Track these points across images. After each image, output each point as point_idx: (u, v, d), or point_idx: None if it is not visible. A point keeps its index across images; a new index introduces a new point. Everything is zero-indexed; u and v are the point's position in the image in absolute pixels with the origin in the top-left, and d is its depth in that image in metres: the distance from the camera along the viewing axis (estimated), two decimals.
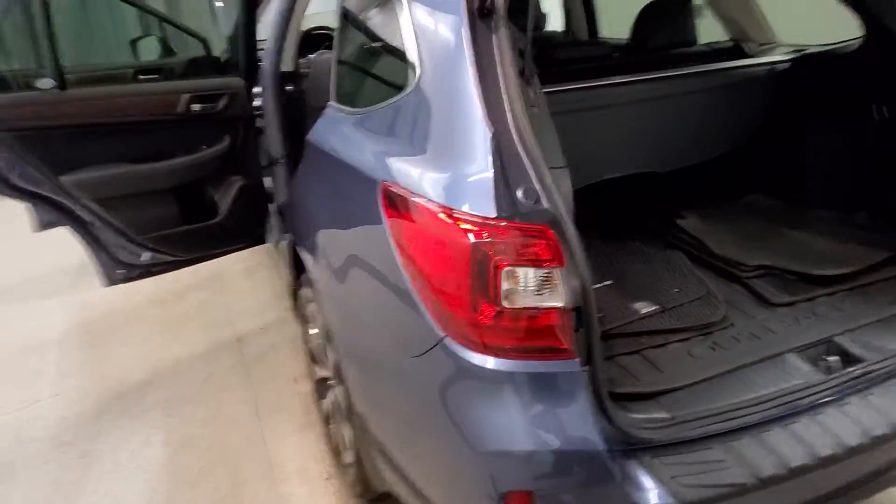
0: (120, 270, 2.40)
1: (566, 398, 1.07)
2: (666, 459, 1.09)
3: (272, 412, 2.38)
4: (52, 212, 2.16)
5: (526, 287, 1.04)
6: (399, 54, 1.33)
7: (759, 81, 2.15)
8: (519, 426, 1.07)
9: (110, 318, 3.23)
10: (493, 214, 1.03)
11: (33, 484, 2.12)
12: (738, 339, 1.48)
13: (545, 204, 1.04)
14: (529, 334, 1.06)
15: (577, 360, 1.07)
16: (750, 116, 2.23)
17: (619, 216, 2.22)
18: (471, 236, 1.04)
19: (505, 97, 1.09)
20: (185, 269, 2.58)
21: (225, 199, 2.51)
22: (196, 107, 2.30)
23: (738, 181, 2.29)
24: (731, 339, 1.48)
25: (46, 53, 1.96)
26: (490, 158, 1.06)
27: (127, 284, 2.46)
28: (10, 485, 2.12)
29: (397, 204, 1.19)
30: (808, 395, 1.21)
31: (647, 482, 1.06)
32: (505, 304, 1.04)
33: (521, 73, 1.15)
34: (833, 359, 1.31)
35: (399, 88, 1.33)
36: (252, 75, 2.34)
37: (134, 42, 3.13)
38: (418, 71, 1.25)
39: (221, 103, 2.35)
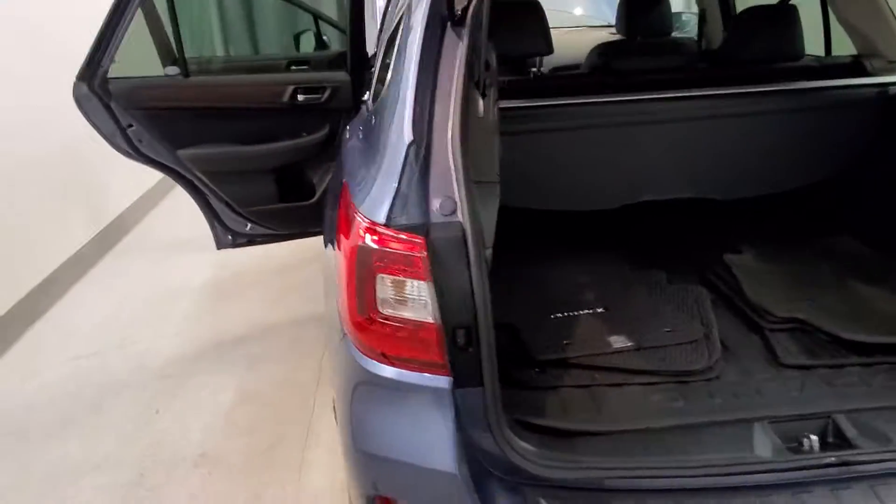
0: (228, 237, 2.75)
1: (434, 414, 1.04)
2: (552, 502, 1.01)
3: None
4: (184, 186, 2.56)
5: (396, 297, 1.03)
6: (389, 59, 1.38)
7: (862, 105, 1.80)
8: (389, 433, 1.07)
9: (238, 279, 3.69)
10: (382, 220, 1.03)
11: (132, 403, 2.54)
12: (712, 394, 1.29)
13: (459, 217, 1.00)
14: (402, 343, 1.05)
15: (449, 377, 1.02)
16: (845, 144, 1.86)
17: (666, 242, 2.00)
18: (358, 238, 1.05)
19: (447, 106, 1.06)
20: (311, 243, 2.85)
21: (321, 183, 2.74)
22: (301, 97, 2.55)
23: (825, 219, 1.93)
24: (704, 392, 1.30)
25: (174, 46, 2.31)
26: (401, 165, 1.04)
27: (263, 251, 2.78)
28: (115, 400, 2.57)
29: (338, 197, 1.25)
30: (753, 473, 1.02)
31: None
32: (380, 310, 1.04)
33: (477, 84, 1.12)
34: (813, 438, 1.09)
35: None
36: (359, 70, 2.52)
37: (297, 36, 3.55)
38: (390, 75, 1.28)
39: (325, 95, 2.57)
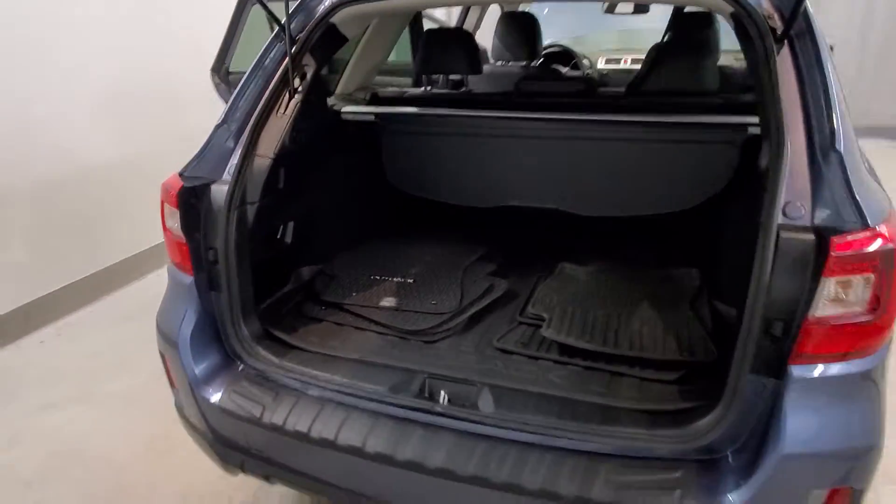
0: None
1: (185, 297, 1.58)
2: (252, 379, 1.52)
3: None
4: None
5: (169, 223, 1.58)
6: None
7: (723, 143, 1.95)
8: (166, 307, 1.66)
9: None
10: (180, 172, 1.61)
11: None
12: (416, 350, 1.64)
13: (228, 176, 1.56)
14: (175, 251, 1.60)
15: (191, 277, 1.56)
16: (707, 180, 2.03)
17: (517, 243, 2.31)
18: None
19: (257, 103, 1.59)
20: None
21: None
22: None
23: (672, 248, 2.14)
24: (412, 348, 1.66)
25: None
26: (209, 135, 1.63)
27: None
28: None
29: None
30: (394, 405, 1.38)
31: (220, 379, 1.53)
32: (168, 228, 1.60)
33: (291, 91, 1.65)
34: (443, 395, 1.40)
35: None
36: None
37: None
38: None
39: None
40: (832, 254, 1.08)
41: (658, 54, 2.09)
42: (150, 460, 2.24)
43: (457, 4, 2.79)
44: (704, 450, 1.21)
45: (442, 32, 2.42)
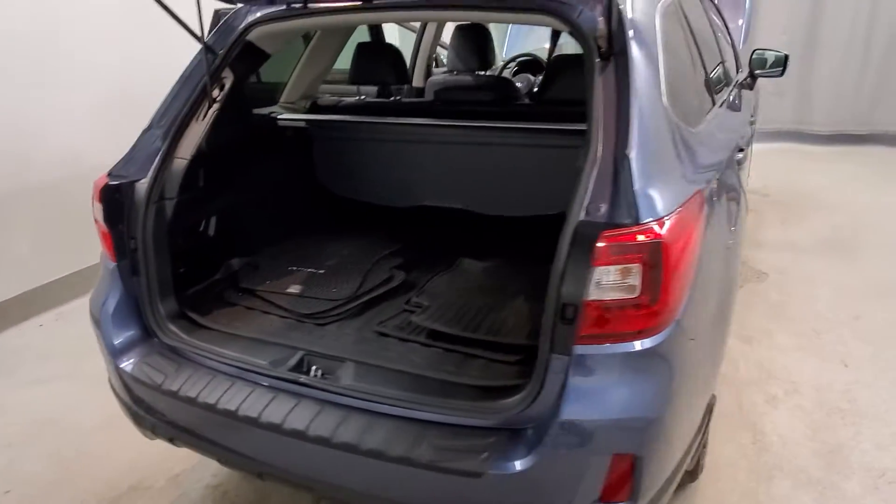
0: None
1: (109, 277, 1.82)
2: (162, 353, 1.74)
3: None
4: None
5: (97, 215, 1.79)
6: None
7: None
8: (98, 289, 1.88)
9: None
10: (108, 171, 1.87)
11: None
12: (305, 331, 1.84)
13: (147, 176, 1.79)
14: (102, 239, 1.83)
15: (114, 262, 1.79)
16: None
17: (427, 239, 2.48)
18: (102, 181, 1.82)
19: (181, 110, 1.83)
20: None
21: None
22: None
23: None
24: (302, 329, 1.85)
25: None
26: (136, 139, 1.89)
27: None
28: None
29: None
30: (271, 377, 1.59)
31: (136, 351, 1.76)
32: (98, 220, 1.82)
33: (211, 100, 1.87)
34: (315, 369, 1.61)
35: None
36: None
37: None
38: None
39: None
40: (598, 245, 1.24)
41: (554, 65, 2.25)
42: (111, 430, 2.51)
43: (366, 23, 2.96)
44: (514, 421, 1.37)
45: (370, 46, 2.63)
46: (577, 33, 1.50)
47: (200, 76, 1.89)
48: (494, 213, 2.36)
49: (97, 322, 1.81)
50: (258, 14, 1.90)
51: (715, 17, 3.08)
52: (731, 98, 2.64)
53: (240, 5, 1.92)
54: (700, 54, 2.15)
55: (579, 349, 1.29)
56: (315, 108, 2.59)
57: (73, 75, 3.53)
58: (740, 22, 4.16)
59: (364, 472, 1.43)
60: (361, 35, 3.29)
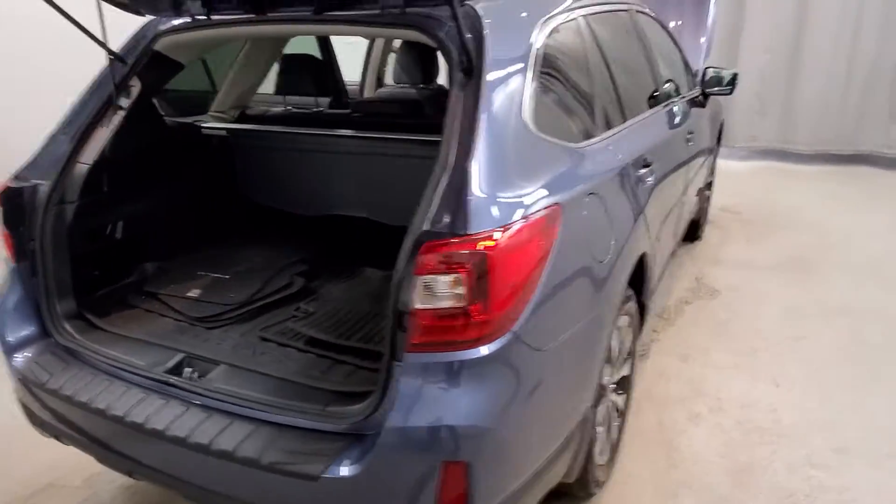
0: None
1: (10, 282, 1.87)
2: (55, 352, 1.79)
3: None
4: None
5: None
6: None
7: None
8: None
9: None
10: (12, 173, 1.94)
11: None
12: (193, 335, 1.87)
13: (44, 182, 1.84)
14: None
15: (15, 264, 1.84)
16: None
17: (332, 247, 2.55)
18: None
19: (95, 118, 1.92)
20: None
21: None
22: None
23: None
24: (193, 333, 1.90)
25: None
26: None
27: None
28: None
29: None
30: (142, 377, 1.65)
31: (30, 349, 1.80)
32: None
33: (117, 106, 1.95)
34: (189, 371, 1.67)
35: None
36: None
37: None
38: None
39: None
40: (418, 257, 1.26)
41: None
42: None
43: (264, 36, 3.03)
44: (361, 427, 1.39)
45: (295, 59, 2.69)
46: (442, 48, 1.54)
47: (107, 85, 1.95)
48: (398, 224, 2.40)
49: None
50: (166, 25, 1.96)
51: (658, 37, 3.09)
52: (660, 115, 2.66)
53: (150, 17, 1.98)
54: (610, 73, 2.17)
55: (412, 357, 1.31)
56: (243, 117, 2.65)
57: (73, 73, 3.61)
58: (702, 40, 4.17)
59: (217, 472, 1.46)
60: (311, 48, 3.36)
